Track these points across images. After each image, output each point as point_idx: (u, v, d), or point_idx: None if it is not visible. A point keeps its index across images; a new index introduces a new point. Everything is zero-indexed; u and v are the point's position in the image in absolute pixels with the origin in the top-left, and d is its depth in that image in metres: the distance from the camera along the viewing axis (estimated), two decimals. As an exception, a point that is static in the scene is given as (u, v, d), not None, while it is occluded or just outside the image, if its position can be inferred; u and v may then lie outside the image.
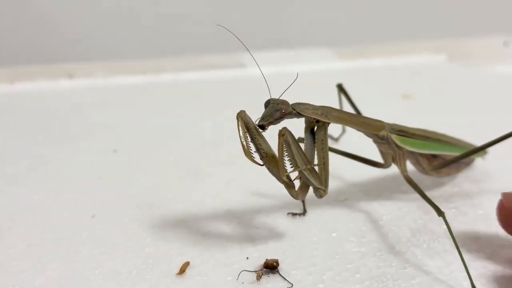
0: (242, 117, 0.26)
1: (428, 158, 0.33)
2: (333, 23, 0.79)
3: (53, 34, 0.80)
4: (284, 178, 0.26)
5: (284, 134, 0.25)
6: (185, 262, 0.28)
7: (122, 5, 0.83)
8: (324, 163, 0.27)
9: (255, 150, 0.26)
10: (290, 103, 0.27)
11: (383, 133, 0.30)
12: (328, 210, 0.33)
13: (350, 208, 0.33)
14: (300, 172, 0.27)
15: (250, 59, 0.28)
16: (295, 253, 0.29)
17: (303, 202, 0.33)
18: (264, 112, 0.27)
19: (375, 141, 0.31)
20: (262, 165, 0.27)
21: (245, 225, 0.31)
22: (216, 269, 0.27)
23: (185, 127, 0.50)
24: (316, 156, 0.28)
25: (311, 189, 0.28)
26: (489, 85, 0.62)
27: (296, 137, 0.27)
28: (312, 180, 0.27)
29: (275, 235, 0.30)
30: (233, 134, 0.48)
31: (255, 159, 0.26)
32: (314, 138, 0.28)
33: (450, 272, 0.27)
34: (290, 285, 0.26)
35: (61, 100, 0.58)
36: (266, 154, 0.26)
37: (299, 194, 0.28)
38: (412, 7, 0.97)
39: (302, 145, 0.28)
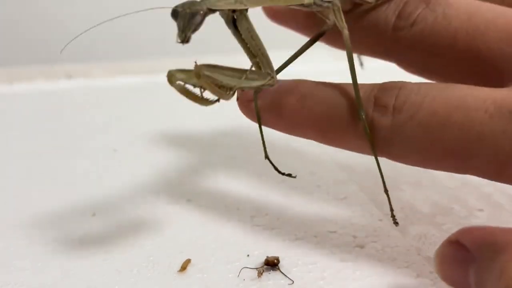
0: (173, 80, 0.24)
1: None
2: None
3: (51, 35, 0.80)
4: (230, 97, 0.25)
5: (199, 74, 0.24)
6: (186, 260, 0.28)
7: (120, 5, 0.83)
8: (260, 50, 0.26)
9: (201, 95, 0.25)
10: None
11: (308, 0, 0.27)
12: (328, 208, 0.33)
13: (350, 206, 0.33)
14: (244, 78, 0.25)
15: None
16: (296, 250, 0.29)
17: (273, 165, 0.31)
18: (180, 24, 0.25)
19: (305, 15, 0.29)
20: (216, 101, 0.25)
21: (245, 223, 0.32)
22: (217, 267, 0.27)
23: (185, 127, 0.50)
24: (250, 47, 0.26)
25: None
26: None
27: None
28: (257, 83, 0.25)
29: (275, 232, 0.31)
30: (232, 133, 0.48)
31: (211, 100, 0.25)
32: (238, 31, 0.26)
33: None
34: (291, 282, 0.26)
35: (60, 101, 0.58)
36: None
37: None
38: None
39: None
